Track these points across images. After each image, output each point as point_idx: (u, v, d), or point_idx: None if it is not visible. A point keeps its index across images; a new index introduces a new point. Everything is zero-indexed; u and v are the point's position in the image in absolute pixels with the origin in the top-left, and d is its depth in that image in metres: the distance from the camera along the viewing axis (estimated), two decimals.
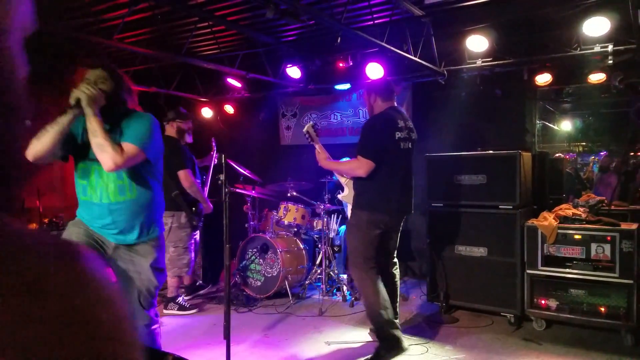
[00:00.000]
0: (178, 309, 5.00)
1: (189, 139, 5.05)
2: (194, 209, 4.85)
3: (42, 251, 0.38)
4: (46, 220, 6.48)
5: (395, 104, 3.90)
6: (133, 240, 2.69)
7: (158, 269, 2.76)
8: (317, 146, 4.07)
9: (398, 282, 4.11)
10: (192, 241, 5.03)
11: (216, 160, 5.34)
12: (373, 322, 3.76)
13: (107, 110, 2.56)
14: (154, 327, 2.79)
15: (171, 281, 4.98)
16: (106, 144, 2.48)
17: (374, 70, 5.82)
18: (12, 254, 0.36)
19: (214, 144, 5.58)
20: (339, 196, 4.37)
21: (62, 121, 2.47)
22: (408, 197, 3.81)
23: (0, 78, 0.43)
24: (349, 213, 3.97)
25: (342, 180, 4.20)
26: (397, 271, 4.10)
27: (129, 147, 2.56)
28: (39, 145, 2.48)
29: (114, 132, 2.61)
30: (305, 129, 4.15)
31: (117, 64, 6.36)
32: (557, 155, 8.28)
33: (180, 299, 5.07)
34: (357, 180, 3.76)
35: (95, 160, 2.55)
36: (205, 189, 5.28)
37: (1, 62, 0.43)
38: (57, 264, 0.38)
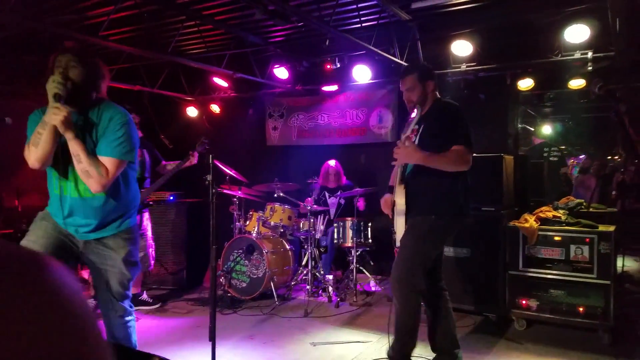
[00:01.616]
0: (142, 305, 5.03)
1: None
2: None
3: (1, 266, 0.34)
4: (25, 221, 6.37)
5: None
6: (104, 234, 2.66)
7: (131, 262, 2.73)
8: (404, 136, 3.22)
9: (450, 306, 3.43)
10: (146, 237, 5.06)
11: (195, 160, 5.13)
12: (399, 345, 3.29)
13: (78, 97, 2.51)
14: (127, 318, 2.77)
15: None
16: (91, 169, 2.47)
17: (361, 73, 5.89)
18: None
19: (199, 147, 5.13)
20: (396, 215, 3.31)
21: (50, 120, 2.44)
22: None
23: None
24: (399, 225, 3.26)
25: (397, 191, 3.30)
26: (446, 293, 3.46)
27: (112, 163, 2.53)
28: (40, 151, 2.47)
29: (87, 123, 2.56)
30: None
31: (102, 61, 6.32)
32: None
33: (143, 296, 5.15)
34: (433, 178, 3.11)
35: (67, 155, 2.52)
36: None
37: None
38: (17, 279, 0.35)
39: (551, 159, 6.87)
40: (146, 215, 5.13)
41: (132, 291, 4.98)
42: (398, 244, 3.24)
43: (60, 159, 2.55)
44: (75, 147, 2.46)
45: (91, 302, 4.74)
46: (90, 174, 2.47)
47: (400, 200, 3.25)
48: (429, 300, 3.37)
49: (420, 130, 3.22)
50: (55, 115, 2.40)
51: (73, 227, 2.65)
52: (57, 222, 2.66)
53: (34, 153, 2.49)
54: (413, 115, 3.23)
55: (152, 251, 5.17)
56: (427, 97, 3.28)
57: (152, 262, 5.21)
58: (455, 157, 3.06)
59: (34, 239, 2.62)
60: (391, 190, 3.41)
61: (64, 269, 0.38)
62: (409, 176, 3.27)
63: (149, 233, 5.17)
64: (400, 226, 3.25)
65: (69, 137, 2.46)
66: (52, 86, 2.40)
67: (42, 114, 2.53)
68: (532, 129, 9.27)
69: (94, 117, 2.59)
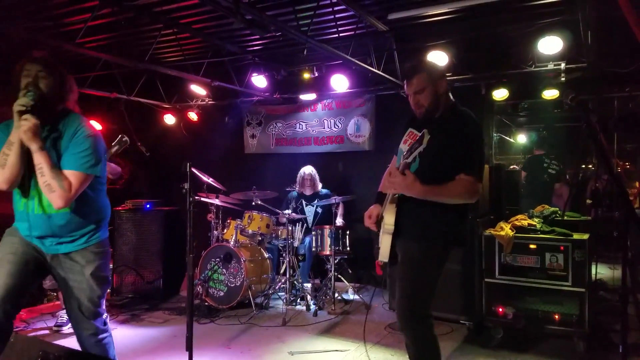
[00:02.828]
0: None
1: None
2: None
3: None
4: None
5: None
6: (72, 248, 2.58)
7: (101, 277, 2.63)
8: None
9: None
10: None
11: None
12: None
13: (45, 108, 2.44)
14: (101, 336, 2.67)
15: None
16: (54, 183, 2.38)
17: (339, 82, 5.92)
18: None
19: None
20: (382, 232, 2.89)
21: (17, 140, 2.37)
22: None
23: None
24: (384, 242, 2.86)
25: (388, 208, 2.86)
26: None
27: (76, 177, 2.45)
28: (8, 172, 2.40)
29: (53, 136, 2.50)
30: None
31: (78, 68, 6.25)
32: (512, 167, 8.57)
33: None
34: (436, 206, 2.66)
35: (30, 170, 2.44)
36: None
37: None
38: None
39: (550, 170, 6.91)
40: None
41: None
42: (381, 258, 2.88)
43: (25, 174, 2.47)
44: (39, 159, 2.39)
45: (63, 318, 4.64)
46: (52, 187, 2.39)
47: (389, 219, 2.82)
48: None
49: (427, 141, 2.58)
50: (22, 126, 2.33)
51: (39, 241, 2.58)
52: (23, 237, 2.59)
53: (1, 175, 2.41)
54: (419, 141, 2.63)
55: None
56: (440, 99, 2.77)
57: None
58: (462, 189, 2.60)
59: (1, 256, 2.53)
60: (380, 200, 3.00)
61: None
62: (402, 195, 2.77)
63: None
64: (385, 243, 2.85)
65: (34, 148, 2.37)
66: (21, 101, 2.34)
67: (6, 130, 2.46)
68: (508, 138, 9.42)
69: (60, 130, 2.52)
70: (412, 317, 2.73)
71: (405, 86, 2.85)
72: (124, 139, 4.19)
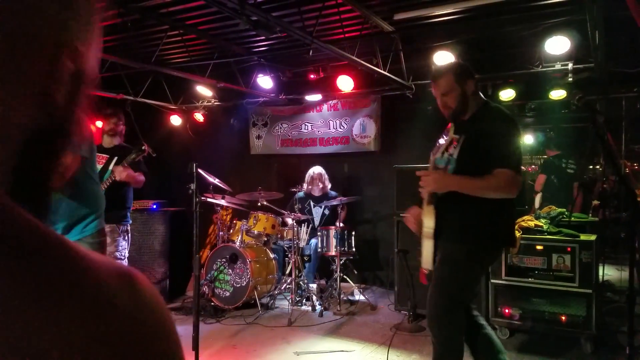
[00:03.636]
0: None
1: (110, 140, 4.59)
2: None
3: (103, 273, 0.38)
4: None
5: None
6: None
7: None
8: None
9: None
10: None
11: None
12: None
13: None
14: None
15: None
16: None
17: (344, 83, 5.92)
18: (79, 276, 0.36)
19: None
20: (423, 237, 2.80)
21: None
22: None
23: None
24: (426, 247, 2.78)
25: (426, 211, 2.78)
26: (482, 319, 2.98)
27: None
28: None
29: None
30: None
31: None
32: (529, 168, 8.50)
33: None
34: (471, 201, 2.61)
35: None
36: None
37: None
38: (119, 285, 0.39)
39: (568, 171, 6.82)
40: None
41: None
42: (425, 266, 2.79)
43: None
44: None
45: None
46: None
47: (429, 222, 2.73)
48: (466, 336, 2.90)
49: (461, 142, 2.67)
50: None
51: None
52: None
53: None
54: (449, 137, 2.74)
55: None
56: (467, 100, 2.75)
57: None
58: (498, 182, 2.54)
59: None
60: (419, 202, 2.92)
61: (148, 280, 0.43)
62: (442, 195, 2.72)
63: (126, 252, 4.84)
64: (427, 250, 2.77)
65: None
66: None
67: None
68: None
69: None
70: (443, 321, 2.68)
71: (432, 88, 2.86)
72: (142, 147, 4.16)
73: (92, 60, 0.45)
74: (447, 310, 2.66)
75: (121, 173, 4.09)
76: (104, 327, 0.35)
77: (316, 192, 6.26)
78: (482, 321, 2.92)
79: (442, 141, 2.81)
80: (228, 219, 6.32)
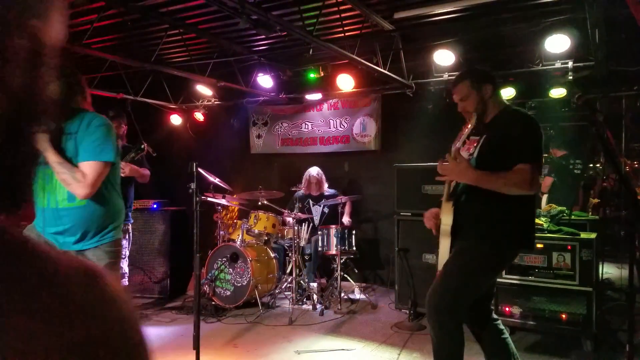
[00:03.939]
0: None
1: None
2: None
3: (68, 273, 0.38)
4: None
5: None
6: (85, 246, 2.62)
7: None
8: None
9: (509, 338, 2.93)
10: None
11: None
12: None
13: (57, 109, 2.48)
14: None
15: None
16: (66, 177, 2.46)
17: (345, 82, 5.92)
18: (44, 278, 0.36)
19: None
20: (440, 235, 2.77)
21: None
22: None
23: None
24: (443, 246, 2.76)
25: (444, 207, 2.76)
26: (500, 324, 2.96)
27: (90, 166, 2.51)
28: None
29: (71, 135, 2.56)
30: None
31: (84, 69, 6.29)
32: None
33: None
34: (491, 199, 2.60)
35: (46, 164, 2.50)
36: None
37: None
38: (84, 284, 0.39)
39: (575, 171, 6.80)
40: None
41: None
42: (440, 267, 2.77)
43: (41, 169, 2.53)
44: (50, 158, 2.46)
45: None
46: (67, 181, 2.47)
47: (446, 219, 2.72)
48: (483, 339, 2.91)
49: (481, 142, 2.75)
50: None
51: (53, 238, 2.62)
52: (40, 233, 2.63)
53: None
54: (469, 126, 2.78)
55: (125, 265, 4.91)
56: (486, 104, 2.80)
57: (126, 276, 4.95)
58: (518, 178, 2.53)
59: None
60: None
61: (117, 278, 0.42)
62: (460, 192, 2.73)
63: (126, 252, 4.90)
64: (444, 248, 2.74)
65: (41, 147, 2.42)
66: None
67: None
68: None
69: (74, 128, 2.58)
70: (444, 315, 2.65)
71: (452, 94, 2.93)
72: (141, 146, 4.20)
73: (54, 33, 0.42)
74: (449, 306, 2.64)
75: (124, 168, 4.13)
76: (68, 325, 0.35)
77: (314, 192, 6.27)
78: (502, 326, 2.90)
79: (463, 133, 2.82)
80: (233, 217, 6.34)
